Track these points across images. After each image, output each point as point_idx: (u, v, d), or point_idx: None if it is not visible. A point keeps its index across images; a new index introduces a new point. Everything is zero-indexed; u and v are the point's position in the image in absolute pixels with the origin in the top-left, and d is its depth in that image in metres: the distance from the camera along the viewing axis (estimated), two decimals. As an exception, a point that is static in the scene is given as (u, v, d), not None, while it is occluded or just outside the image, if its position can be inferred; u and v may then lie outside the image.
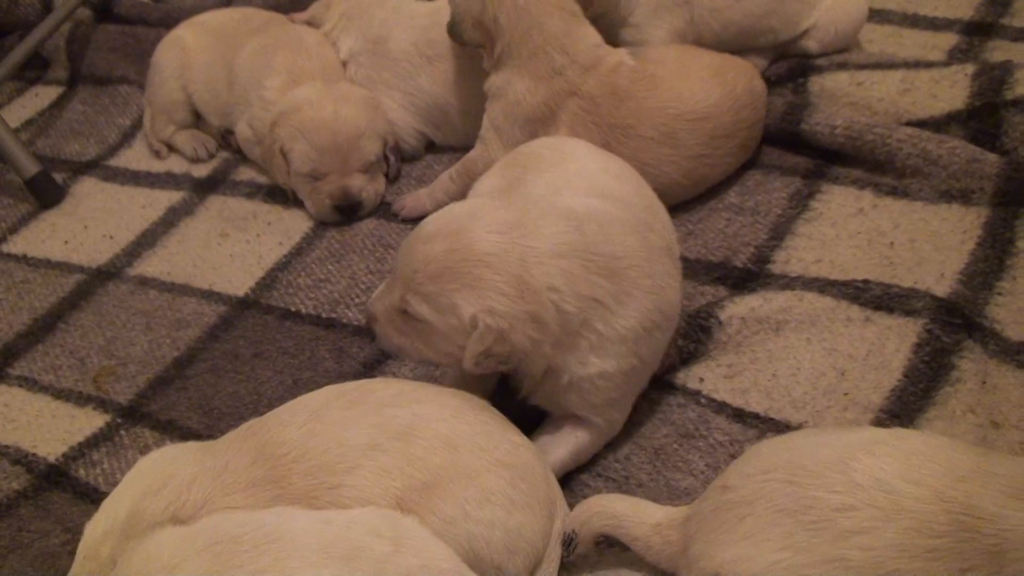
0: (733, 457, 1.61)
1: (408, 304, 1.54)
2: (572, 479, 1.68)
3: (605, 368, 1.57)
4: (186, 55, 2.58)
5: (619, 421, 1.68)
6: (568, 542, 1.49)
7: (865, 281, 1.85)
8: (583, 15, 2.14)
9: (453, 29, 2.19)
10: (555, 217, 1.57)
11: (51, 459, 1.87)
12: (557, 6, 2.09)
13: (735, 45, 2.32)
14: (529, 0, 2.08)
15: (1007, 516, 1.17)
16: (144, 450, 1.86)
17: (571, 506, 1.55)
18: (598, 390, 1.60)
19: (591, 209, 1.61)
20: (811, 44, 2.36)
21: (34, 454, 1.89)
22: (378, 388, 1.51)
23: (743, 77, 2.16)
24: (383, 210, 2.34)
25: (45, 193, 2.54)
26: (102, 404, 1.99)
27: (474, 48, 2.20)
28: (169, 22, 2.79)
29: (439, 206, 2.20)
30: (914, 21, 2.54)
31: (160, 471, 1.42)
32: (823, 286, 1.86)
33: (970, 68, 2.19)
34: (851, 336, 1.77)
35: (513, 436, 1.52)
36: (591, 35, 2.12)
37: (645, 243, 1.61)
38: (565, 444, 1.65)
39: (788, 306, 1.82)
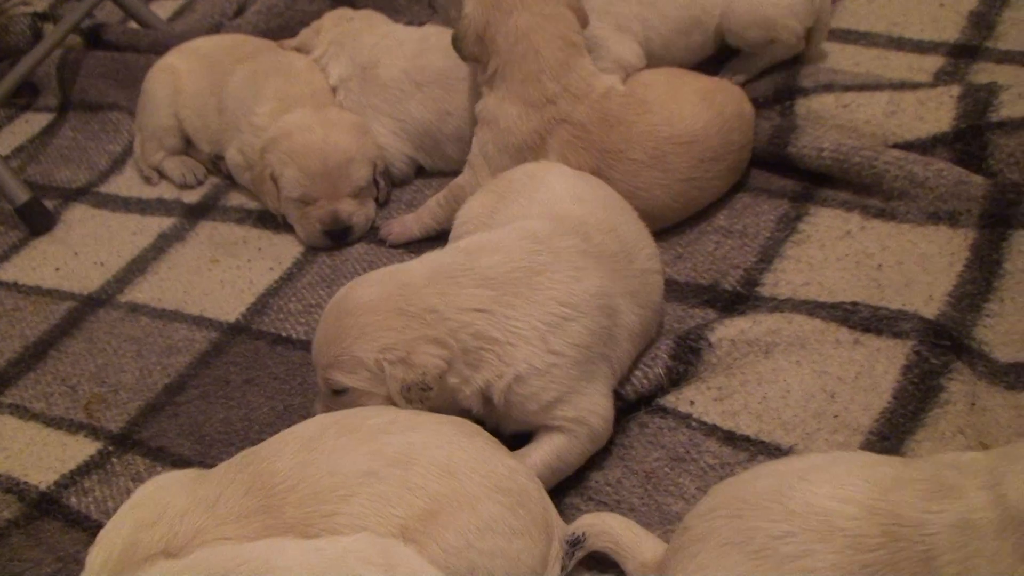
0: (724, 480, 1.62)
1: (329, 382, 1.66)
2: (564, 503, 1.68)
3: (518, 372, 1.63)
4: (177, 82, 2.58)
5: (582, 420, 1.67)
6: (576, 542, 1.52)
7: (854, 303, 1.86)
8: (583, 45, 2.14)
9: (457, 42, 2.18)
10: (431, 253, 1.74)
11: (43, 487, 1.87)
12: (558, 35, 2.09)
13: (679, 45, 2.35)
14: (531, 26, 2.07)
15: (930, 521, 1.21)
16: (136, 477, 1.86)
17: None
18: (525, 398, 1.64)
19: (483, 236, 1.77)
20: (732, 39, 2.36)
21: (26, 482, 1.89)
22: (371, 415, 1.51)
23: (732, 100, 2.17)
24: (373, 235, 2.35)
25: (36, 220, 2.54)
26: (93, 431, 1.99)
27: (471, 63, 2.19)
28: (159, 49, 2.79)
29: (426, 231, 2.25)
30: (900, 44, 2.55)
31: (154, 502, 1.42)
32: (812, 308, 1.87)
33: (956, 90, 2.20)
34: (840, 358, 1.78)
35: (508, 460, 1.53)
36: (587, 65, 2.13)
37: (544, 248, 1.70)
38: (540, 447, 1.66)
39: (777, 328, 1.82)
